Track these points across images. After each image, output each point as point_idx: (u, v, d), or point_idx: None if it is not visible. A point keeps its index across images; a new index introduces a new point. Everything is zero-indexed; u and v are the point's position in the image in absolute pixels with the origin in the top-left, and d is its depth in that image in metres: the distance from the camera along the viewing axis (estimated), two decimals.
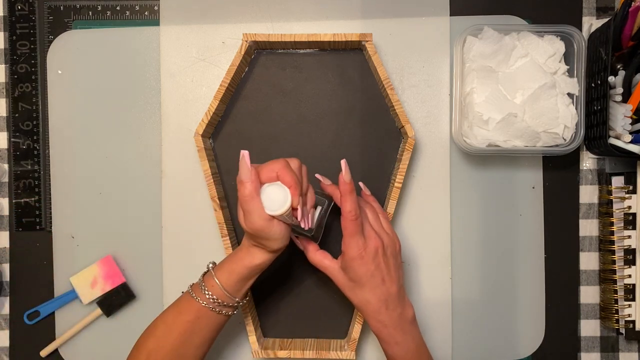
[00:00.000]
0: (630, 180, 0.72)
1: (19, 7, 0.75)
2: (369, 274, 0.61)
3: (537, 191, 0.74)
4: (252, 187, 0.56)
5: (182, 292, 0.64)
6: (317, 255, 0.65)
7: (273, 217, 0.57)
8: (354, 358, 0.69)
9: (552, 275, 0.74)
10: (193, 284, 0.63)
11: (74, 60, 0.75)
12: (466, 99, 0.70)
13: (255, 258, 0.60)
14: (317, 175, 0.67)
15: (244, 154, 0.56)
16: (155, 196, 0.74)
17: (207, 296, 0.61)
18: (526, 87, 0.68)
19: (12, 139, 0.75)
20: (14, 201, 0.75)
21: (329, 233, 0.72)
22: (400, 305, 0.63)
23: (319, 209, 0.65)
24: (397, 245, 0.65)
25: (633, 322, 0.72)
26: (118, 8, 0.75)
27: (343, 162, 0.62)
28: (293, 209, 0.58)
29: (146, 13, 0.75)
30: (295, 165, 0.59)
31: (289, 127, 0.73)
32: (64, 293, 0.74)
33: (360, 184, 0.69)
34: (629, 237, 0.72)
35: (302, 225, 0.59)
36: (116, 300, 0.74)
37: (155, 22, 0.75)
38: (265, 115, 0.73)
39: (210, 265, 0.64)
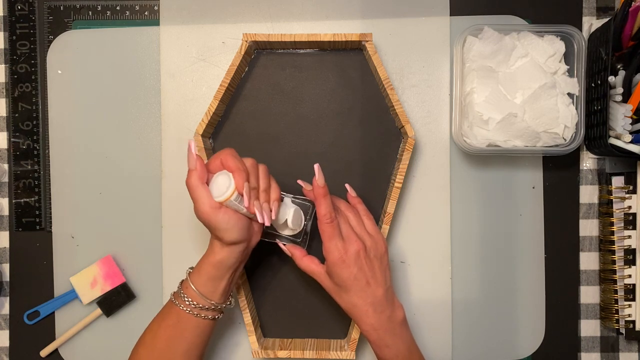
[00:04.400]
0: (630, 180, 0.72)
1: (19, 7, 0.75)
2: (352, 277, 0.61)
3: (537, 191, 0.74)
4: (197, 176, 0.57)
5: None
6: (305, 261, 0.65)
7: (222, 204, 0.58)
8: (354, 358, 0.69)
9: (552, 275, 0.74)
10: (175, 291, 0.63)
11: (74, 60, 0.75)
12: (466, 99, 0.70)
13: (216, 253, 0.60)
14: (299, 181, 0.66)
15: (190, 143, 0.58)
16: (155, 196, 0.74)
17: (185, 300, 0.61)
18: (526, 87, 0.68)
19: (12, 139, 0.75)
20: (14, 201, 0.75)
21: (316, 239, 0.71)
22: (389, 307, 0.63)
23: (302, 214, 0.65)
24: (382, 247, 0.64)
25: (633, 322, 0.72)
26: (118, 8, 0.75)
27: (316, 166, 0.62)
28: (240, 195, 0.58)
29: (146, 13, 0.75)
30: (249, 162, 0.60)
31: (289, 127, 0.73)
32: (64, 293, 0.74)
33: (346, 185, 0.69)
34: (629, 237, 0.72)
35: (259, 219, 0.59)
36: (116, 300, 0.74)
37: (155, 22, 0.75)
38: (265, 115, 0.73)
39: (189, 270, 0.64)
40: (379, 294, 0.62)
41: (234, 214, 0.59)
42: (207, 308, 0.61)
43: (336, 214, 0.63)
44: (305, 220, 0.65)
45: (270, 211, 0.60)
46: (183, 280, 0.63)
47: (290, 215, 0.63)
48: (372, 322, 0.62)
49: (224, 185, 0.58)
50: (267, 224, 0.60)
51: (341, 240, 0.62)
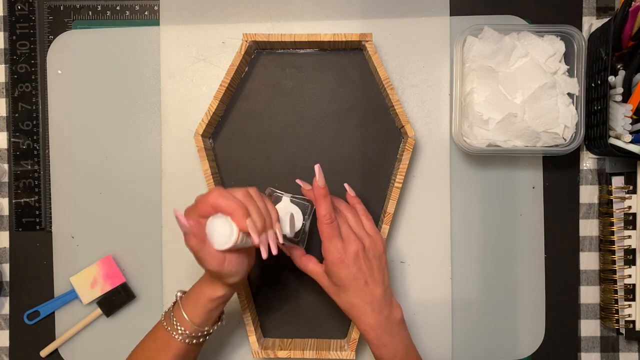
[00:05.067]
0: (630, 180, 0.72)
1: (19, 7, 0.75)
2: (350, 277, 0.61)
3: (537, 191, 0.74)
4: (197, 240, 0.55)
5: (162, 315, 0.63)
6: (303, 260, 0.65)
7: (226, 250, 0.55)
8: (354, 358, 0.69)
9: (552, 275, 0.74)
10: (165, 312, 0.63)
11: (74, 60, 0.75)
12: (466, 99, 0.70)
13: (217, 291, 0.59)
14: (297, 181, 0.66)
15: (176, 213, 0.54)
16: (155, 196, 0.74)
17: (178, 328, 0.60)
18: (526, 87, 0.68)
19: (12, 139, 0.75)
20: (14, 201, 0.75)
21: (315, 238, 0.71)
22: (387, 307, 0.63)
23: (301, 214, 0.65)
24: (380, 247, 0.64)
25: (633, 322, 0.72)
26: (118, 8, 0.75)
27: (317, 167, 0.62)
28: (247, 234, 0.55)
29: (146, 13, 0.75)
30: (241, 194, 0.56)
31: (289, 127, 0.73)
32: (64, 293, 0.74)
33: (345, 185, 0.69)
34: (629, 237, 0.72)
35: (264, 254, 0.56)
36: (116, 300, 0.74)
37: (155, 22, 0.75)
38: (265, 115, 0.73)
39: (179, 294, 0.62)
40: (377, 294, 0.62)
41: (236, 258, 0.57)
42: (200, 334, 0.61)
43: (335, 215, 0.63)
44: (303, 220, 0.65)
45: (276, 237, 0.58)
46: (174, 306, 0.62)
47: (296, 216, 0.63)
48: (371, 321, 0.62)
49: (224, 232, 0.54)
50: (274, 253, 0.57)
51: (340, 240, 0.62)
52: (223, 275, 0.57)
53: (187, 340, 0.60)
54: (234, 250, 0.56)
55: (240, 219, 0.54)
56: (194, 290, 0.61)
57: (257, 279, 0.74)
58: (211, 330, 0.62)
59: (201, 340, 0.62)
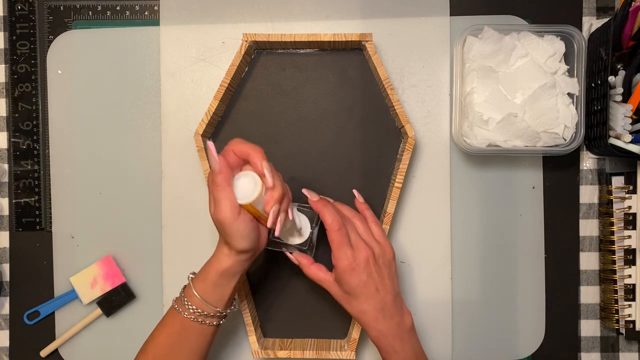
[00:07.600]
0: (630, 180, 0.72)
1: (19, 7, 0.75)
2: (361, 284, 0.61)
3: (537, 191, 0.74)
4: (223, 177, 0.57)
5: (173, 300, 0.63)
6: (312, 269, 0.65)
7: (242, 210, 0.57)
8: (354, 358, 0.69)
9: (552, 275, 0.74)
10: (176, 297, 0.63)
11: (74, 60, 0.75)
12: (466, 99, 0.70)
13: (223, 261, 0.60)
14: (303, 191, 0.65)
15: (210, 146, 0.57)
16: (155, 196, 0.74)
17: (188, 307, 0.60)
18: (526, 87, 0.68)
19: (12, 139, 0.75)
20: (14, 201, 0.75)
21: (322, 247, 0.71)
22: (398, 313, 0.63)
23: (308, 222, 0.65)
24: (390, 253, 0.64)
25: (633, 322, 0.72)
26: (118, 8, 0.75)
27: (304, 191, 0.64)
28: (262, 177, 0.57)
29: (146, 13, 0.75)
30: (270, 164, 0.59)
31: (289, 127, 0.73)
32: (64, 293, 0.74)
33: (354, 191, 0.68)
34: (629, 237, 0.72)
35: (270, 222, 0.58)
36: (116, 300, 0.74)
37: (155, 22, 0.75)
38: (265, 115, 0.73)
39: (190, 275, 0.63)
40: (388, 301, 0.62)
41: (250, 222, 0.58)
42: (212, 315, 0.61)
43: (344, 222, 0.63)
44: (311, 229, 0.65)
45: (286, 215, 0.60)
46: (185, 287, 0.63)
47: (303, 224, 0.63)
48: (382, 328, 0.62)
49: (249, 187, 0.57)
50: (277, 233, 0.59)
51: (350, 247, 0.61)
52: (234, 230, 0.57)
53: (199, 320, 0.60)
54: (249, 215, 0.58)
55: (257, 159, 0.57)
56: (203, 267, 0.62)
57: (257, 279, 0.74)
58: (224, 313, 0.62)
59: (214, 322, 0.62)
